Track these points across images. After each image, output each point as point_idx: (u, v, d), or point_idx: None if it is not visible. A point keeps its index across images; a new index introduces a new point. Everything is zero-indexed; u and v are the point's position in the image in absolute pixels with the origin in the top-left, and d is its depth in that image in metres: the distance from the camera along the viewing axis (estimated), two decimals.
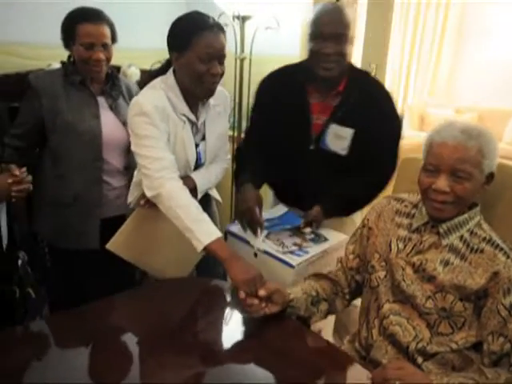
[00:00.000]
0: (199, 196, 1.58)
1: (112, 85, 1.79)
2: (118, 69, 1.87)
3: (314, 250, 1.52)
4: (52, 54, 2.38)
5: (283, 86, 1.66)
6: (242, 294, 1.17)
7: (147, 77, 1.61)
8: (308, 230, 1.60)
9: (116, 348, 1.13)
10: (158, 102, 1.42)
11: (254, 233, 1.53)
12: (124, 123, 1.75)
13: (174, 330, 1.21)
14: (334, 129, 1.59)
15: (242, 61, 2.51)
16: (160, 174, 1.38)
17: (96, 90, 1.75)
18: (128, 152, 1.78)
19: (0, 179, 1.39)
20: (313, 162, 1.63)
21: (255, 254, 1.54)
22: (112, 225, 1.60)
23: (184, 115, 1.50)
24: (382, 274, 1.23)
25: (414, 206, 1.26)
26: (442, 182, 1.10)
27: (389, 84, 6.16)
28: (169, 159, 1.42)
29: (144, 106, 1.40)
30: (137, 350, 1.13)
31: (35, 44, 2.44)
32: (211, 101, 1.56)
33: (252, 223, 1.53)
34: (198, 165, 1.61)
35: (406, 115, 6.15)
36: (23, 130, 1.69)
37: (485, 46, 5.55)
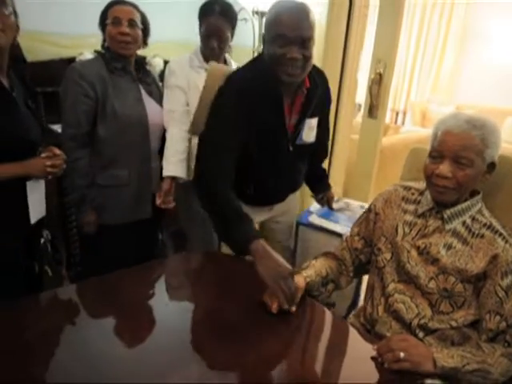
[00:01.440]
0: None
1: (144, 72, 1.81)
2: (143, 59, 1.86)
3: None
4: (82, 43, 2.41)
5: (259, 98, 1.39)
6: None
7: None
8: (336, 205, 1.93)
9: (142, 315, 1.15)
10: None
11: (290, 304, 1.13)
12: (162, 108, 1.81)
13: (198, 303, 1.23)
14: (307, 123, 1.52)
15: (252, 53, 2.50)
16: None
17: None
18: (162, 136, 1.83)
19: (40, 158, 1.39)
20: (291, 159, 1.56)
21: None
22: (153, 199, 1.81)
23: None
24: (387, 255, 1.24)
25: (420, 193, 1.26)
26: (445, 168, 1.10)
27: (394, 81, 6.12)
28: None
29: None
30: (162, 318, 1.15)
31: (67, 33, 2.45)
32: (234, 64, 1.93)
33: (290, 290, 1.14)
34: None
35: (409, 111, 6.11)
36: (81, 118, 1.65)
37: (485, 47, 5.50)
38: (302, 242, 1.92)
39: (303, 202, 2.27)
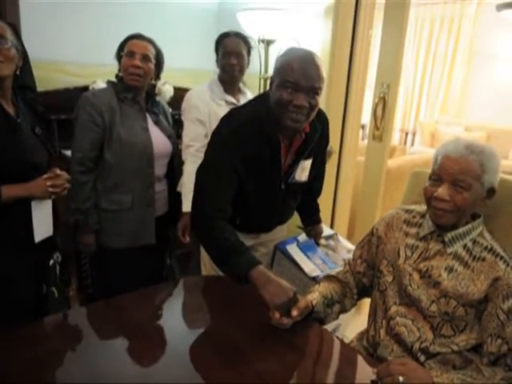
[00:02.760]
0: None
1: (153, 102, 1.88)
2: (153, 86, 1.93)
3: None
4: (95, 72, 2.50)
5: (257, 139, 1.41)
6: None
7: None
8: (323, 241, 1.89)
9: (150, 337, 1.17)
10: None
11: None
12: (169, 136, 1.88)
13: (202, 325, 1.26)
14: (301, 164, 1.55)
15: (265, 80, 2.56)
16: None
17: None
18: (170, 162, 1.90)
19: (41, 179, 1.43)
20: (282, 196, 1.58)
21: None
22: (158, 222, 1.87)
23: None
24: (389, 278, 1.25)
25: (421, 216, 1.27)
26: (444, 191, 1.12)
27: (402, 103, 6.17)
28: None
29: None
30: (170, 339, 1.18)
31: (80, 63, 2.55)
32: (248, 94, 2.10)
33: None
34: None
35: (418, 132, 6.13)
36: (89, 144, 1.71)
37: (494, 68, 5.52)
38: (277, 265, 1.88)
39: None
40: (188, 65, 3.00)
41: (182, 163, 1.98)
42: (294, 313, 1.16)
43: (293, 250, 1.83)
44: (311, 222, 1.88)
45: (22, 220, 1.43)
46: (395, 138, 6.16)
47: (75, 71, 2.52)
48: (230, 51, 1.93)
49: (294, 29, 2.42)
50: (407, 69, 5.98)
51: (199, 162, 1.81)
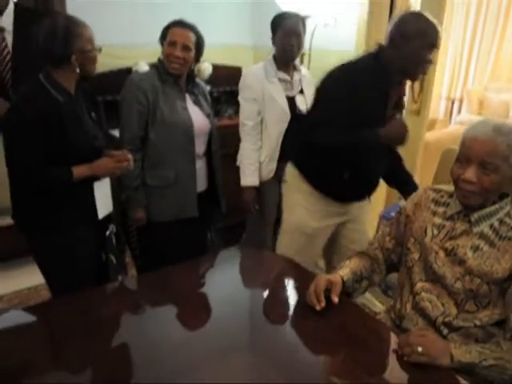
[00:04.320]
0: None
1: (193, 84, 1.98)
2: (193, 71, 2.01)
3: None
4: (137, 54, 2.61)
5: (370, 89, 1.59)
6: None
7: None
8: None
9: (194, 305, 1.31)
10: None
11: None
12: (207, 115, 1.98)
13: (239, 295, 1.38)
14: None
15: (302, 56, 2.57)
16: None
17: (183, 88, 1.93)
18: (208, 140, 2.02)
19: (105, 159, 1.60)
20: (379, 150, 1.71)
21: None
22: (199, 198, 2.00)
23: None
24: (416, 255, 1.31)
25: (449, 195, 1.31)
26: (470, 173, 1.14)
27: (448, 69, 5.91)
28: None
29: None
30: (211, 307, 1.32)
31: (122, 45, 2.66)
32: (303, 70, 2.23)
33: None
34: (298, 115, 2.10)
35: (465, 99, 5.88)
36: (137, 124, 1.83)
37: None
38: None
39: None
40: (226, 41, 3.05)
41: (220, 141, 2.10)
42: (336, 300, 1.22)
43: None
44: (409, 188, 1.87)
45: (87, 199, 1.62)
46: (441, 107, 5.93)
47: (118, 53, 2.63)
48: (290, 32, 2.04)
49: (330, 4, 2.41)
50: (455, 32, 5.69)
51: (253, 140, 2.13)
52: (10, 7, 1.92)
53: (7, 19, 1.90)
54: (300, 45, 2.09)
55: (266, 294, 1.41)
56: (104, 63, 2.55)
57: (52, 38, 1.45)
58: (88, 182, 1.59)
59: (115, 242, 1.89)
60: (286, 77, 2.14)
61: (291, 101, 2.15)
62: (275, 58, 2.13)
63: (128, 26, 2.63)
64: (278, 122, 2.12)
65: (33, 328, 1.23)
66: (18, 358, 1.06)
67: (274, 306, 1.34)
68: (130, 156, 1.64)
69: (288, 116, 2.13)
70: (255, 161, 2.18)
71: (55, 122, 1.46)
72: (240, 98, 2.17)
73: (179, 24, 1.84)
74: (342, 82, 1.62)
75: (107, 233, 1.82)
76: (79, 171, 1.52)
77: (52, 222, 1.56)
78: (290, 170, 1.89)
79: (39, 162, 1.47)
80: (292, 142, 2.15)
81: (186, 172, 1.94)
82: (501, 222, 1.19)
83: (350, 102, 1.55)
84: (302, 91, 2.20)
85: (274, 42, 2.11)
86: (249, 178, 2.19)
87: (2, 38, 1.84)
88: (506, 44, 5.67)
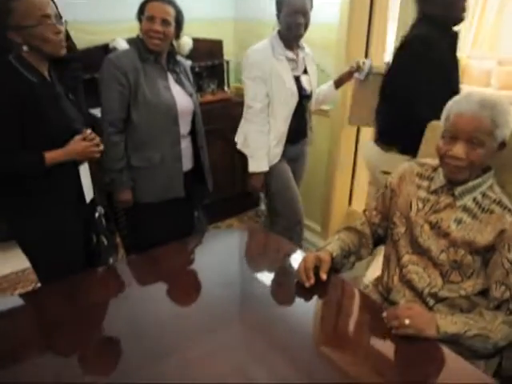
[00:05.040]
0: None
1: (174, 62, 1.92)
2: (173, 49, 1.95)
3: None
4: (111, 29, 2.52)
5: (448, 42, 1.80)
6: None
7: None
8: None
9: (185, 284, 1.33)
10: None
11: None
12: (190, 95, 1.93)
13: (227, 274, 1.39)
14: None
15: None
16: None
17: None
18: (192, 119, 1.97)
19: (76, 140, 1.53)
20: None
21: None
22: (185, 178, 1.97)
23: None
24: (402, 229, 1.33)
25: (433, 169, 1.33)
26: (458, 150, 1.16)
27: None
28: None
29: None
30: (203, 288, 1.34)
31: (96, 21, 2.56)
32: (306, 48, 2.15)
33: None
34: (304, 96, 2.07)
35: None
36: (118, 105, 1.78)
37: None
38: None
39: None
40: (205, 13, 2.96)
41: (204, 117, 2.06)
42: (324, 277, 1.24)
43: None
44: None
45: (71, 183, 1.59)
46: None
47: (93, 29, 2.54)
48: (297, 10, 1.94)
49: None
50: None
51: (262, 122, 2.05)
52: None
53: None
54: (307, 23, 1.98)
55: (255, 271, 1.42)
56: (79, 40, 2.48)
57: None
58: (70, 166, 1.55)
59: (105, 224, 1.89)
60: (293, 56, 2.06)
61: (297, 81, 2.08)
62: (280, 34, 2.02)
63: (103, 1, 2.53)
64: (286, 103, 2.04)
65: (23, 314, 1.23)
66: (6, 344, 1.07)
67: (264, 282, 1.36)
68: (98, 139, 1.59)
69: (296, 97, 2.06)
70: (264, 145, 2.07)
71: (30, 104, 1.40)
72: (244, 78, 2.05)
73: None
74: (426, 58, 1.70)
75: (96, 215, 1.81)
76: (51, 155, 1.46)
77: (35, 207, 1.53)
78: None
79: (12, 148, 1.41)
80: (301, 123, 2.15)
81: (171, 152, 1.91)
82: (483, 195, 1.21)
83: (440, 72, 1.70)
84: (305, 71, 2.15)
85: (278, 19, 2.00)
86: (257, 163, 2.08)
87: None
88: (487, 13, 5.66)
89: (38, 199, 1.53)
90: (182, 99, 1.90)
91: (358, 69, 2.10)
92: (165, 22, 1.75)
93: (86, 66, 2.26)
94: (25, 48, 1.40)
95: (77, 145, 1.52)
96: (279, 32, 2.03)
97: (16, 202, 1.52)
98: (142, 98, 1.79)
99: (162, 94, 1.82)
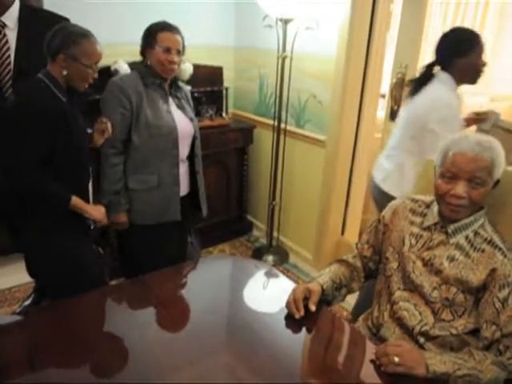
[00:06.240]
0: None
1: (176, 87, 1.96)
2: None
3: None
4: (117, 52, 2.56)
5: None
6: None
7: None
8: None
9: (173, 313, 1.31)
10: None
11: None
12: (191, 119, 1.97)
13: (217, 303, 1.38)
14: None
15: (283, 59, 2.57)
16: None
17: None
18: (191, 143, 2.00)
19: (102, 209, 1.73)
20: None
21: None
22: (181, 202, 1.98)
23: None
24: (394, 264, 1.34)
25: (426, 206, 1.34)
26: (461, 188, 1.17)
27: None
28: None
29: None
30: (190, 316, 1.32)
31: (102, 43, 2.59)
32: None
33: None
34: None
35: None
36: (119, 127, 1.81)
37: None
38: None
39: None
40: (206, 41, 3.02)
41: (201, 142, 2.08)
42: (313, 308, 1.24)
43: None
44: None
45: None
46: None
47: None
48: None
49: (313, 5, 2.41)
50: (433, 35, 5.79)
51: None
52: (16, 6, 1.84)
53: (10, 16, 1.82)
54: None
55: (245, 300, 1.41)
56: None
57: (57, 34, 1.51)
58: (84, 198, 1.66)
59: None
60: None
61: None
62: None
63: (105, 24, 2.57)
64: None
65: (8, 335, 1.21)
66: None
67: (253, 312, 1.35)
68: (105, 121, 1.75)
69: None
70: None
71: (60, 120, 1.50)
72: (437, 123, 1.82)
73: (167, 28, 1.82)
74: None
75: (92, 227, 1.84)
76: (76, 203, 1.60)
77: (58, 228, 1.62)
78: None
79: (38, 162, 1.50)
80: None
81: (169, 176, 1.92)
82: (475, 233, 1.23)
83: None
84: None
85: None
86: None
87: (4, 34, 1.78)
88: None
89: (60, 223, 1.62)
90: (183, 123, 1.93)
91: (483, 119, 2.06)
92: (179, 53, 1.82)
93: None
94: (64, 72, 1.54)
95: (99, 212, 1.69)
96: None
97: (41, 223, 1.61)
98: (143, 121, 1.81)
99: (163, 117, 1.85)
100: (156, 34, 1.81)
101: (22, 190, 1.57)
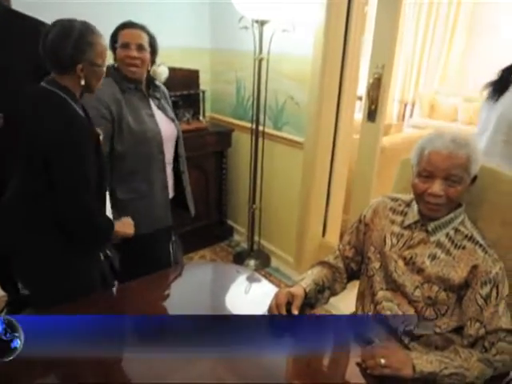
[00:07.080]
0: None
1: (154, 87, 1.91)
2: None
3: None
4: None
5: None
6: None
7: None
8: None
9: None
10: None
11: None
12: (172, 120, 1.92)
13: (201, 309, 1.35)
14: None
15: (260, 61, 2.56)
16: None
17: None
18: (175, 145, 1.95)
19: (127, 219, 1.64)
20: None
21: None
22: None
23: None
24: (377, 264, 1.33)
25: (406, 204, 1.34)
26: (437, 187, 1.17)
27: (401, 74, 6.12)
28: None
29: None
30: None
31: None
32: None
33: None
34: None
35: (417, 103, 6.11)
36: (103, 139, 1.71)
37: (495, 37, 5.46)
38: None
39: None
40: (182, 43, 2.98)
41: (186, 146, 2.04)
42: (296, 312, 1.21)
43: None
44: None
45: None
46: (394, 109, 6.14)
47: None
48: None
49: (289, 9, 2.41)
50: (407, 36, 5.90)
51: None
52: None
53: None
54: None
55: (227, 306, 1.38)
56: None
57: (63, 40, 1.32)
58: None
59: None
60: None
61: None
62: None
63: None
64: None
65: None
66: None
67: (237, 318, 1.31)
68: None
69: None
70: None
71: (85, 135, 1.37)
72: None
73: (128, 25, 1.76)
74: None
75: None
76: (120, 229, 1.54)
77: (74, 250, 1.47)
78: None
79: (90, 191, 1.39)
80: None
81: (158, 181, 1.87)
82: (456, 230, 1.23)
83: None
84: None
85: None
86: None
87: None
88: (454, 49, 5.95)
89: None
90: (166, 126, 1.88)
91: None
92: (140, 48, 1.74)
93: None
94: (82, 82, 1.38)
95: (129, 227, 1.61)
96: None
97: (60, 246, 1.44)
98: (126, 128, 1.75)
99: (146, 122, 1.80)
100: (117, 33, 1.76)
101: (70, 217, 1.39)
